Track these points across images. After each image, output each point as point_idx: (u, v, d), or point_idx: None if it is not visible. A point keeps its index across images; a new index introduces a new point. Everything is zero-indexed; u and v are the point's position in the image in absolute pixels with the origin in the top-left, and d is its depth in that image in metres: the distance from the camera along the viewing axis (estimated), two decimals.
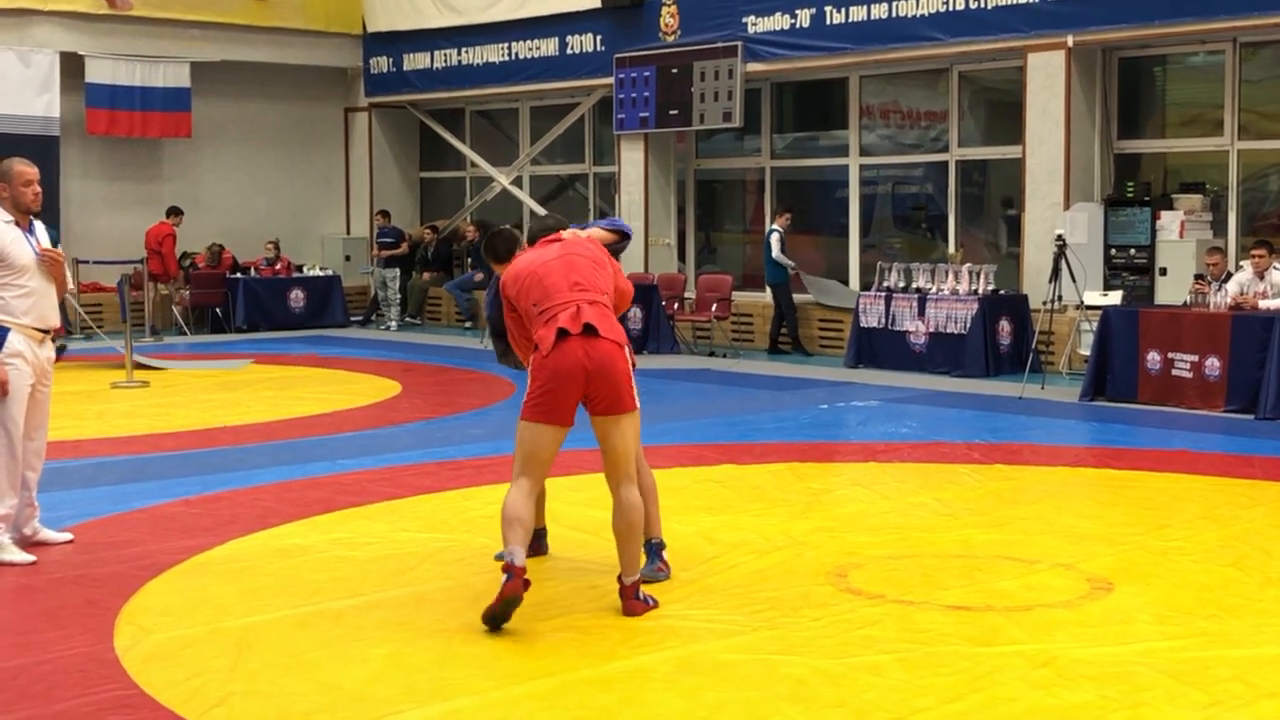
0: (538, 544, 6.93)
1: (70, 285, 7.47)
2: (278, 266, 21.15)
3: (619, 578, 6.07)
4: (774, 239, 16.76)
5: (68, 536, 7.35)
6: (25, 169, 7.09)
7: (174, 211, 20.09)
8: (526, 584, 5.81)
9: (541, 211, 20.77)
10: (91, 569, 6.80)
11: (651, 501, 6.51)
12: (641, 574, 6.22)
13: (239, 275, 20.68)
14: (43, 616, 6.02)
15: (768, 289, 17.34)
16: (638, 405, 6.07)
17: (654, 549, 6.55)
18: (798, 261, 17.12)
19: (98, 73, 20.26)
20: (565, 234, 6.28)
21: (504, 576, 5.80)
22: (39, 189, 7.13)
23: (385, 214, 21.82)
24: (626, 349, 6.06)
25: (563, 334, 5.86)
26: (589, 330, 5.88)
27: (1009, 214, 16.44)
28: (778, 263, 16.75)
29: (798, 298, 17.17)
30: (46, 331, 7.10)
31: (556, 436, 6.00)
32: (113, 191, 21.09)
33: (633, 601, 5.98)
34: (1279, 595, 6.30)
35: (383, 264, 21.25)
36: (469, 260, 20.87)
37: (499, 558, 6.07)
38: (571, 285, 5.98)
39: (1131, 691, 5.00)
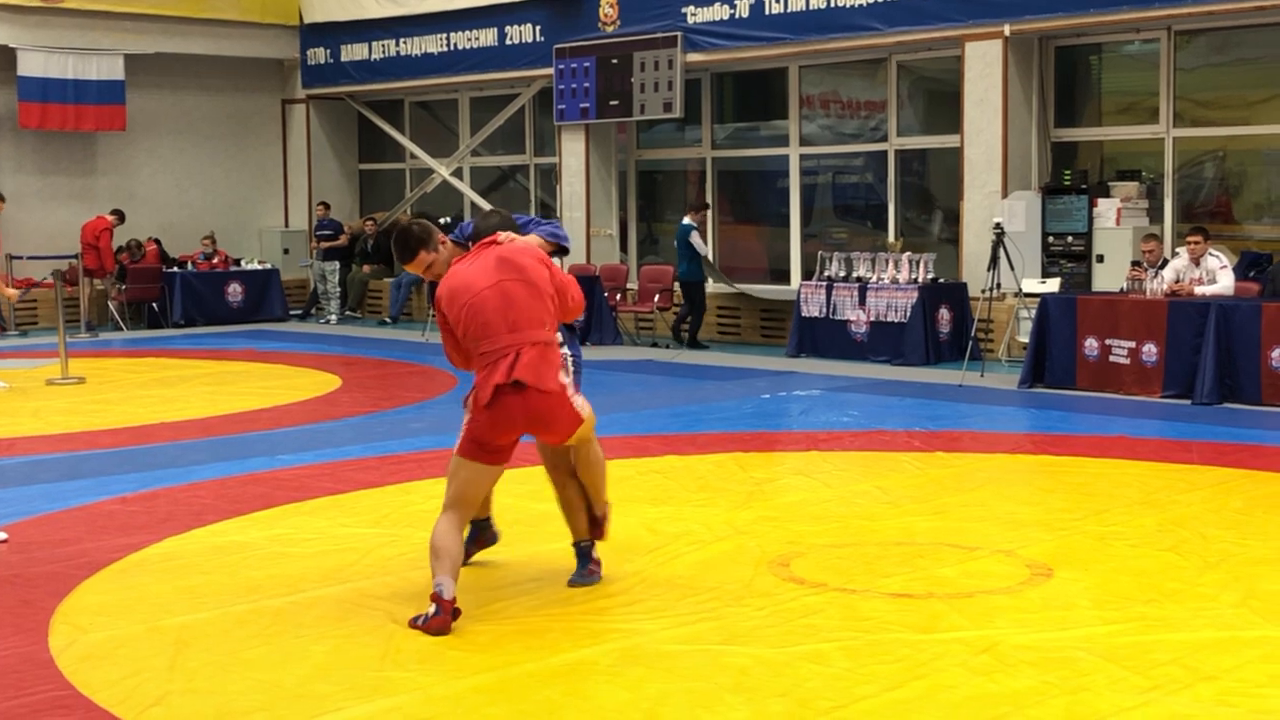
0: (487, 535, 6.82)
1: None
2: (215, 260, 20.97)
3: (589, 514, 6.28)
4: (694, 237, 16.60)
5: (1, 536, 7.24)
6: None
7: (116, 213, 19.89)
8: (456, 613, 5.74)
9: (484, 204, 20.71)
10: (26, 568, 6.70)
11: (580, 504, 6.40)
12: (574, 579, 6.34)
13: (175, 270, 20.48)
14: None
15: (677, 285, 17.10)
16: (585, 417, 6.00)
17: (584, 551, 6.44)
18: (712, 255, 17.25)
19: (30, 65, 19.99)
20: (502, 237, 6.07)
21: (431, 609, 5.70)
22: None
23: (325, 205, 21.66)
24: (563, 373, 5.96)
25: (499, 390, 5.76)
26: (519, 384, 5.77)
27: (940, 206, 16.54)
28: (698, 259, 16.58)
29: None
30: None
31: (494, 475, 6.04)
32: (46, 186, 20.83)
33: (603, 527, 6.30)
34: (1217, 579, 6.36)
35: (322, 256, 21.11)
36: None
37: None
38: (510, 326, 5.82)
39: (1071, 676, 5.03)
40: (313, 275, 21.58)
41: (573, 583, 6.33)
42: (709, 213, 17.22)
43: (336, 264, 21.05)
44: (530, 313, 5.87)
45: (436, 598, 5.71)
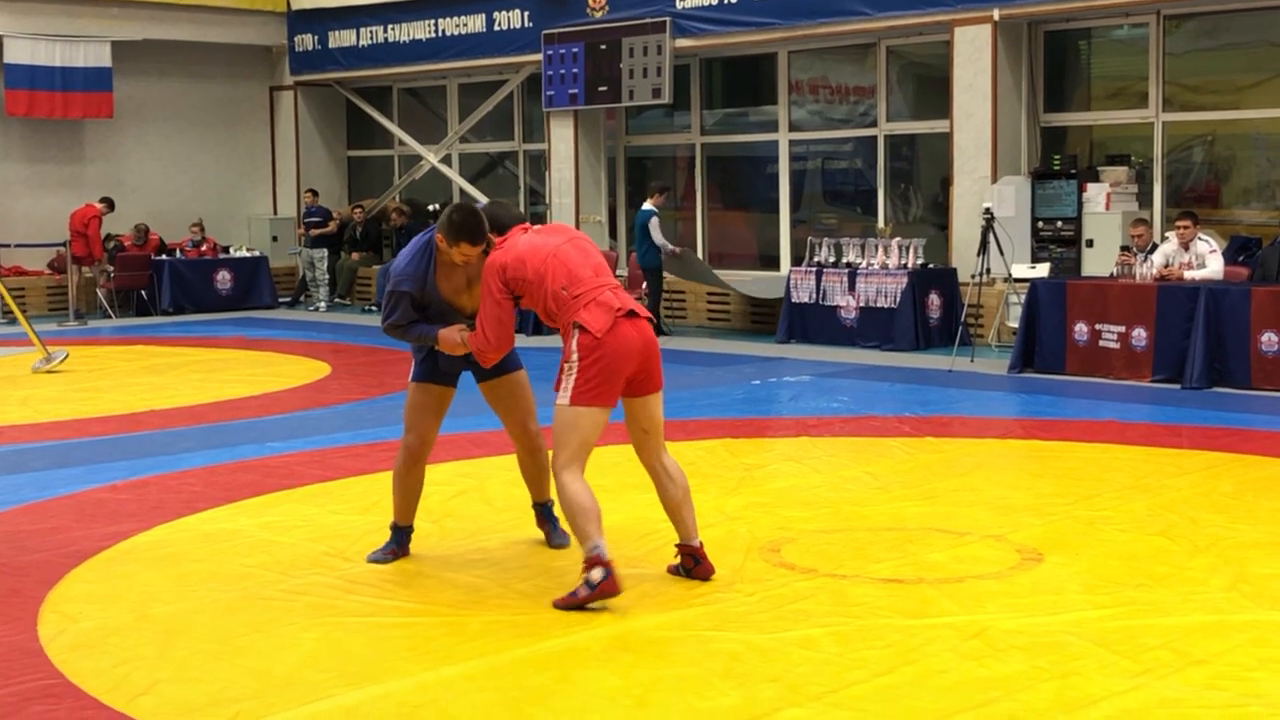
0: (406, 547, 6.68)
1: None
2: (204, 248, 20.92)
3: (686, 545, 6.12)
4: (653, 222, 16.23)
5: None
6: None
7: (105, 201, 19.82)
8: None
9: (473, 190, 20.68)
10: (15, 557, 6.68)
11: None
12: (555, 542, 6.64)
13: (164, 257, 20.43)
14: None
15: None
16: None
17: (549, 512, 6.75)
18: (680, 242, 17.05)
19: (17, 53, 19.92)
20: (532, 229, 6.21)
21: (597, 574, 5.62)
22: None
23: (314, 193, 21.61)
24: None
25: (616, 318, 5.81)
26: (632, 314, 5.89)
27: (929, 191, 16.54)
28: (658, 246, 16.18)
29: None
30: None
31: (607, 418, 5.93)
32: (33, 174, 20.76)
33: (709, 562, 6.10)
34: (1206, 563, 6.37)
35: (310, 244, 21.06)
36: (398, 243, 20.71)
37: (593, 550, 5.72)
38: (595, 271, 5.94)
39: (1062, 661, 5.04)
40: (301, 263, 21.52)
41: (556, 544, 6.65)
42: (664, 196, 16.93)
43: (325, 251, 21.01)
44: (603, 264, 6.05)
45: (598, 560, 5.65)
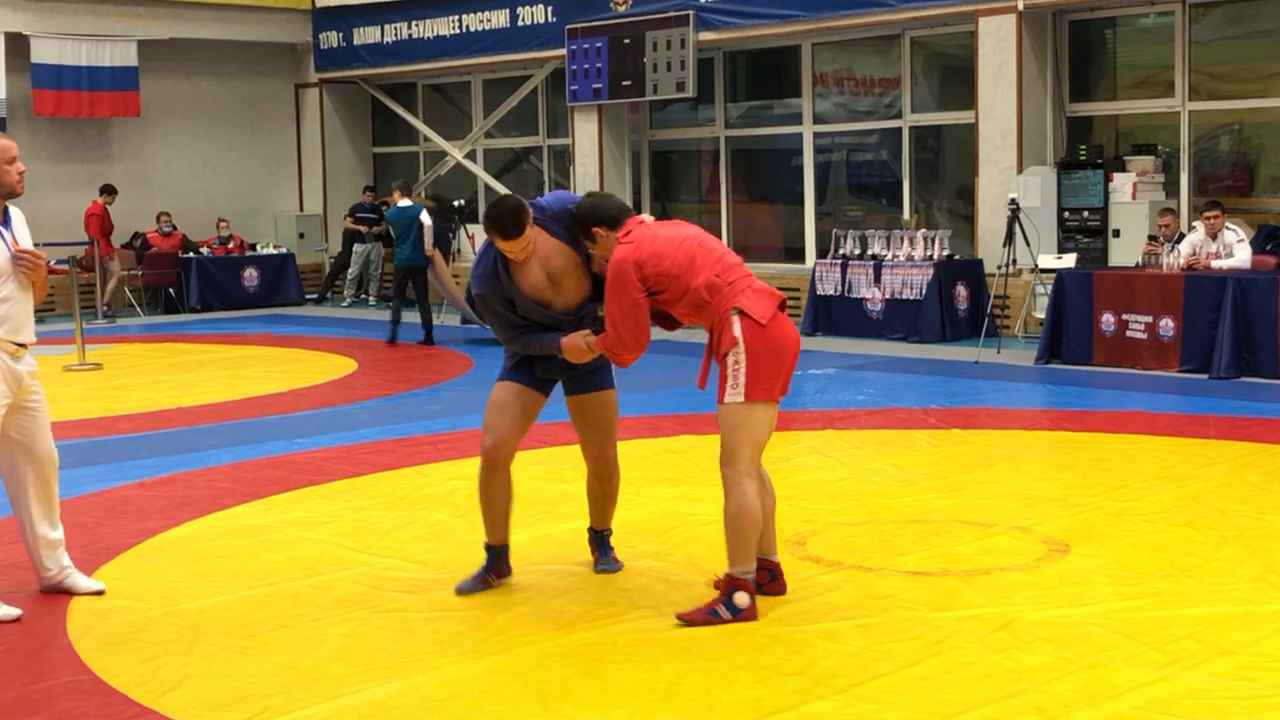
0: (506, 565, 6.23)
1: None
2: (230, 245, 20.99)
3: (765, 560, 5.70)
4: (424, 217, 15.29)
5: (99, 586, 6.13)
6: (6, 143, 5.91)
7: (106, 190, 19.75)
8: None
9: (498, 186, 20.71)
10: None
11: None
12: (602, 567, 6.23)
13: (192, 255, 20.52)
14: None
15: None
16: None
17: (605, 540, 6.37)
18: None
19: (44, 53, 20.01)
20: (648, 219, 5.83)
21: (745, 599, 5.42)
22: (24, 167, 5.95)
23: (371, 190, 21.59)
24: None
25: (775, 305, 5.55)
26: (784, 306, 5.63)
27: (955, 182, 16.48)
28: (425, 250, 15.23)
29: None
30: (23, 345, 6.03)
31: (776, 415, 5.64)
32: (60, 173, 20.85)
33: (784, 580, 5.78)
34: (1234, 554, 6.34)
35: (371, 240, 20.93)
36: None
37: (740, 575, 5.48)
38: (738, 262, 5.71)
39: (1089, 653, 5.02)
40: (356, 260, 21.22)
41: (601, 569, 6.25)
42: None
43: (380, 245, 21.00)
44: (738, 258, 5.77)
45: (747, 586, 5.47)
